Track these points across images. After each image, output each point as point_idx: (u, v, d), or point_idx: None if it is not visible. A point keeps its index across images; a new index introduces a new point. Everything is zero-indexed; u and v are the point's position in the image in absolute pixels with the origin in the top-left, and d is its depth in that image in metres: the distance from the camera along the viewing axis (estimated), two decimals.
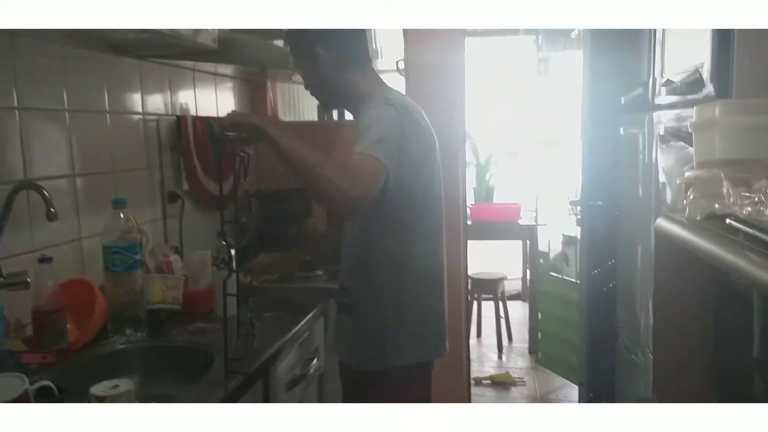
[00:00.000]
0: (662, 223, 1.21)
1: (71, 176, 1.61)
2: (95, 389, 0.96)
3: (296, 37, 1.52)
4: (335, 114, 2.92)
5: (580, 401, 2.79)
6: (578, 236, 2.80)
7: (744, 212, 0.96)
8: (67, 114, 1.59)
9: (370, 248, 1.49)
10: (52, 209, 1.29)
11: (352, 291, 1.53)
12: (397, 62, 2.52)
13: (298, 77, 1.58)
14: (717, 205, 1.00)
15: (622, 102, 2.21)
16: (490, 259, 4.83)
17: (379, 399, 1.50)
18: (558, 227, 3.45)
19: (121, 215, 1.51)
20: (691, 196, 1.07)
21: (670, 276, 1.37)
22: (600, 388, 2.52)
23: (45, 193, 1.30)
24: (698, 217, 1.04)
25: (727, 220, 0.96)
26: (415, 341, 1.50)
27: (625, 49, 2.24)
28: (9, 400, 0.91)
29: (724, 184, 1.05)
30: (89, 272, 1.61)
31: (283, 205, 2.41)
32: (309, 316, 1.73)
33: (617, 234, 2.34)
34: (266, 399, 1.45)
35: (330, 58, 1.47)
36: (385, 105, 1.39)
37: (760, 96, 1.29)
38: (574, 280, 3.19)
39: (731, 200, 1.01)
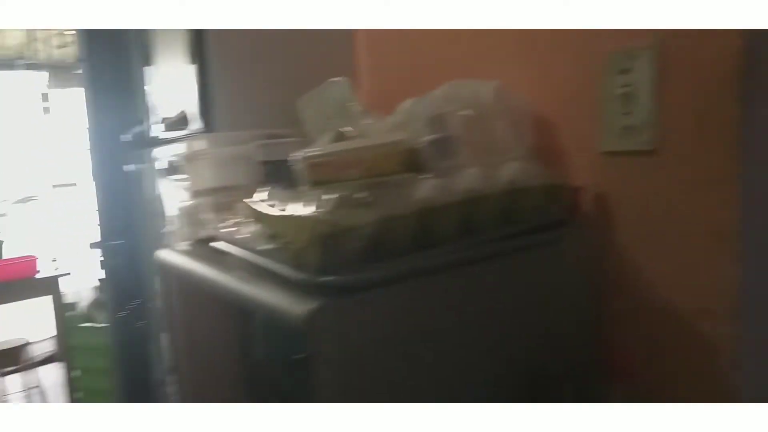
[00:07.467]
0: (163, 254, 1.22)
1: None
2: None
3: None
4: None
5: None
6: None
7: (227, 234, 1.05)
8: None
9: None
10: None
11: None
12: None
13: None
14: (201, 232, 1.07)
15: (126, 139, 2.19)
16: (14, 324, 4.11)
17: None
18: (85, 273, 3.19)
19: None
20: (178, 226, 1.11)
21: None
22: None
23: None
24: (184, 245, 1.09)
25: (211, 244, 1.03)
26: None
27: (122, 86, 2.23)
28: None
29: (209, 210, 1.12)
30: None
31: None
32: None
33: (145, 272, 2.31)
34: None
35: None
36: None
37: (235, 129, 1.45)
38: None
39: (215, 225, 1.09)
